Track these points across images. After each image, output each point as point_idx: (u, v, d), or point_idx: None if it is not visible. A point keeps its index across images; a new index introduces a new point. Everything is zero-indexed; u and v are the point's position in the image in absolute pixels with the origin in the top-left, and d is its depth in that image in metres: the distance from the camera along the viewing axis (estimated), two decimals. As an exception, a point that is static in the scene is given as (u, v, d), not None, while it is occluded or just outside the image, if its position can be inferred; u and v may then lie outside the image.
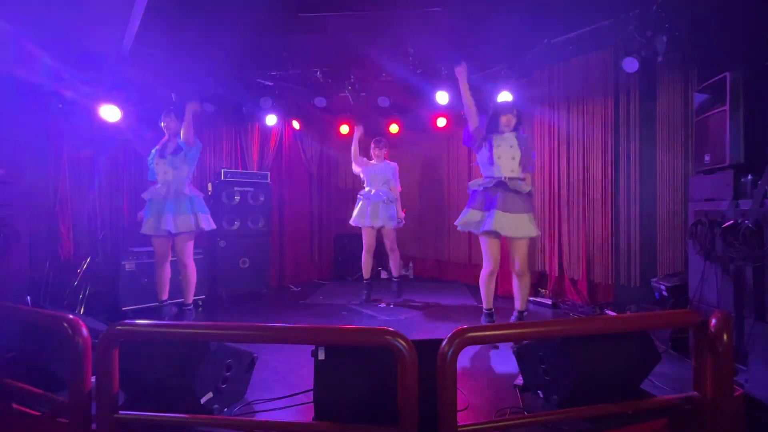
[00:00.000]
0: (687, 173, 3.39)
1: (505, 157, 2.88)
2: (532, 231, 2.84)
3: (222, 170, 4.78)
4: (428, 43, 4.15)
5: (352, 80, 4.81)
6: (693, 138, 3.16)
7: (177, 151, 3.34)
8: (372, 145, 4.43)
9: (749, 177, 2.30)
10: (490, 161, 2.92)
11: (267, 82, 4.83)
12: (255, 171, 5.18)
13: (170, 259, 3.42)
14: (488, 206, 2.85)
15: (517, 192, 2.83)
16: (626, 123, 3.84)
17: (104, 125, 3.97)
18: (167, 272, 3.42)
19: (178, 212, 3.24)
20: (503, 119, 2.94)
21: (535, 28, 3.86)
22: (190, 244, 3.35)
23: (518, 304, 2.93)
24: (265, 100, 4.80)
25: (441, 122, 5.50)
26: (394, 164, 4.48)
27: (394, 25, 3.90)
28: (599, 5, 3.51)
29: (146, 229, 3.31)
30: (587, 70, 4.07)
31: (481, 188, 2.93)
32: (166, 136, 3.43)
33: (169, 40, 3.86)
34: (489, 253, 2.93)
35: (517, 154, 2.88)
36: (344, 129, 5.73)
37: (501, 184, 2.83)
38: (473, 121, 3.01)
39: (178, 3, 3.40)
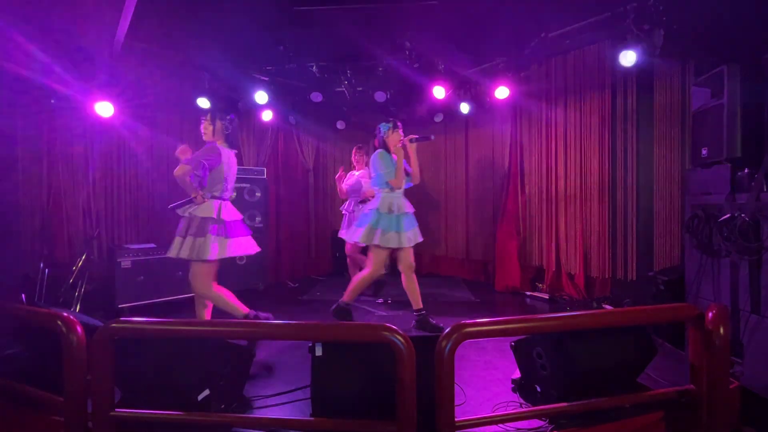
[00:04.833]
0: (684, 167, 3.40)
1: None
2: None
3: (218, 166, 4.74)
4: (426, 37, 4.11)
5: (348, 75, 4.78)
6: (690, 132, 3.16)
7: None
8: (354, 152, 4.50)
9: (746, 171, 2.30)
10: None
11: (263, 77, 4.78)
12: (251, 167, 5.14)
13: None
14: None
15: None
16: (623, 117, 3.83)
17: (98, 121, 3.92)
18: None
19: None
20: None
21: (532, 22, 3.84)
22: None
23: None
24: (261, 95, 4.76)
25: (438, 117, 5.48)
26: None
27: (391, 18, 3.87)
28: (597, -2, 3.49)
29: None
30: (584, 63, 4.06)
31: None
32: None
33: (163, 34, 3.81)
34: None
35: None
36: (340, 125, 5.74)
37: None
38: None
39: (171, -3, 3.35)
